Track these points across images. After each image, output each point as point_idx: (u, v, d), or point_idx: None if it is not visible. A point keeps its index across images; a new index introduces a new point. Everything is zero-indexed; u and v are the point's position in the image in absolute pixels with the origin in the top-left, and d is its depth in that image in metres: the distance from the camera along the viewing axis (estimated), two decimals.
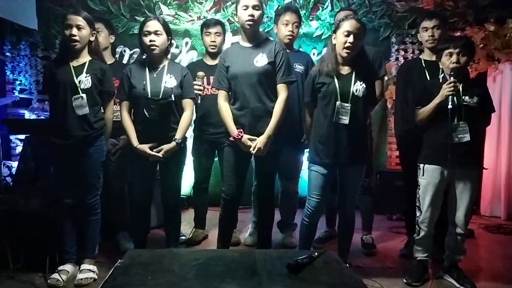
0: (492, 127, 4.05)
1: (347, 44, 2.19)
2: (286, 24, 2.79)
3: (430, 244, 2.43)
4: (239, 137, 2.30)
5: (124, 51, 4.22)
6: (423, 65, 2.69)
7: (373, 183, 3.06)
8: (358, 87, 2.24)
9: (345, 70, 2.28)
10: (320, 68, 2.30)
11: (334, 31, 2.28)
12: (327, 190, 2.35)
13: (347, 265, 2.10)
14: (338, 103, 2.22)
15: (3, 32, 4.07)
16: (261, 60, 2.34)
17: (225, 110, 2.38)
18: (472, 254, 2.84)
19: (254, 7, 2.33)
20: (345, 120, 2.22)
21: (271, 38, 2.53)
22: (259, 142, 2.29)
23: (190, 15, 4.24)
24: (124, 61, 4.14)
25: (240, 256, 1.65)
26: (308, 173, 2.38)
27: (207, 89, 2.88)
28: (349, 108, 2.22)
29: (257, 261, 1.57)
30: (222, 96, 2.41)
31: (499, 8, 4.12)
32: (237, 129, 2.32)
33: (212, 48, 2.97)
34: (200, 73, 2.78)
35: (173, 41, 4.11)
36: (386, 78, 3.10)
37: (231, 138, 2.33)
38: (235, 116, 2.36)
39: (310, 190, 2.35)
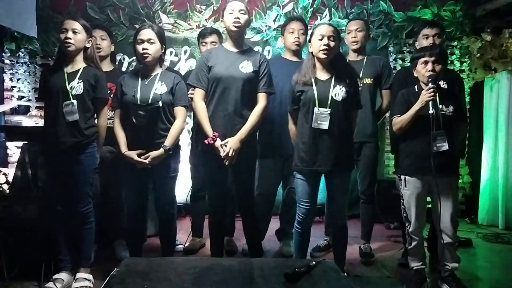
0: (489, 136, 4.09)
1: (323, 47, 2.23)
2: (292, 32, 2.85)
3: (423, 252, 2.44)
4: (212, 142, 2.29)
5: (123, 58, 4.23)
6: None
7: (375, 192, 3.04)
8: (337, 92, 2.26)
9: (324, 76, 2.31)
10: (298, 78, 2.33)
11: (309, 40, 2.33)
12: (315, 195, 2.36)
13: (345, 274, 2.09)
14: (316, 109, 2.24)
15: (2, 40, 4.09)
16: (246, 66, 2.37)
17: (202, 109, 2.37)
18: (470, 263, 2.83)
19: (240, 11, 2.36)
20: (324, 125, 2.23)
21: (257, 49, 2.57)
22: (230, 141, 2.29)
23: (189, 24, 4.26)
24: (123, 69, 4.14)
25: (237, 265, 1.64)
26: (295, 181, 2.40)
27: None
28: (328, 113, 2.23)
29: (254, 270, 1.56)
30: (199, 94, 2.40)
31: (495, 18, 4.18)
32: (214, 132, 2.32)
33: None
34: None
35: (171, 49, 4.21)
36: None
37: (207, 141, 2.31)
38: (211, 118, 2.36)
39: (298, 198, 2.37)
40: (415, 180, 2.35)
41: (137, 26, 4.16)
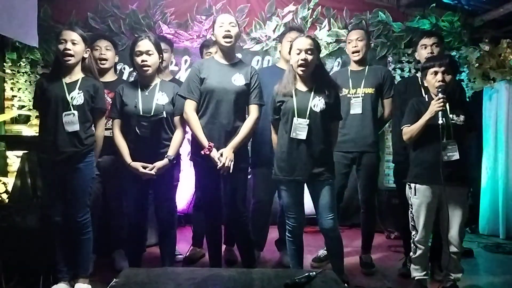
0: (489, 146, 4.09)
1: (300, 62, 2.26)
2: (290, 41, 2.84)
3: (427, 262, 2.42)
4: (208, 152, 2.31)
5: (124, 68, 4.26)
6: (420, 83, 2.71)
7: (375, 202, 3.03)
8: (316, 103, 2.28)
9: (304, 87, 2.34)
10: (278, 90, 2.35)
11: (289, 52, 2.35)
12: (301, 203, 2.38)
13: (345, 284, 2.08)
14: (295, 119, 2.27)
15: (4, 49, 4.11)
16: (238, 79, 2.41)
17: (195, 121, 2.39)
18: (471, 274, 2.81)
19: (230, 24, 2.39)
20: (302, 135, 2.25)
21: (247, 63, 2.62)
22: (225, 151, 2.32)
23: (189, 34, 4.29)
24: (124, 78, 4.17)
25: (237, 275, 1.64)
26: (278, 193, 2.40)
27: None
28: (306, 124, 2.25)
29: (254, 281, 1.56)
30: (191, 106, 2.41)
31: (493, 28, 4.22)
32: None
33: None
34: None
35: (172, 59, 4.22)
36: None
37: (203, 152, 2.31)
38: (204, 130, 2.37)
39: (284, 208, 2.40)
40: (425, 189, 2.34)
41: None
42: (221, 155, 2.32)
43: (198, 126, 2.38)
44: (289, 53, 2.36)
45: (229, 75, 2.41)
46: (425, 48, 2.70)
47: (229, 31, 2.38)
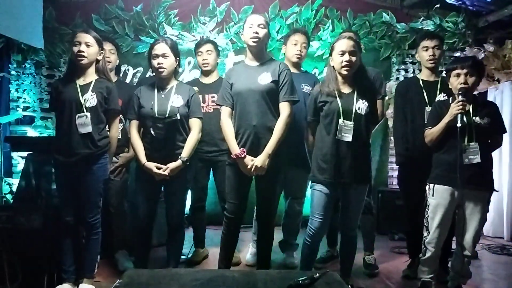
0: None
1: (344, 63, 2.24)
2: (295, 44, 2.87)
3: (436, 265, 2.40)
4: (242, 156, 2.30)
5: (128, 70, 4.28)
6: (421, 84, 2.70)
7: (373, 202, 3.02)
8: (360, 105, 2.26)
9: (346, 89, 2.31)
10: (322, 88, 2.33)
11: (330, 54, 2.34)
12: (330, 209, 2.33)
13: (349, 286, 2.07)
14: (341, 120, 2.24)
15: (9, 51, 4.14)
16: (265, 78, 2.37)
17: (228, 127, 2.39)
18: (475, 275, 2.79)
19: (259, 26, 2.38)
20: (348, 137, 2.23)
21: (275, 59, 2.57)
22: (258, 160, 2.29)
23: (193, 35, 4.31)
24: (127, 80, 4.19)
25: (240, 277, 1.64)
26: (310, 193, 2.37)
27: (202, 107, 2.89)
28: (352, 126, 2.23)
29: (257, 282, 1.56)
30: (226, 112, 2.42)
31: (498, 29, 4.20)
32: (240, 148, 2.32)
33: (205, 66, 3.03)
34: (195, 88, 2.81)
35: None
36: (386, 98, 3.12)
37: (233, 156, 2.33)
38: (236, 133, 2.37)
39: (313, 210, 2.33)
40: (443, 191, 2.31)
41: (142, 38, 4.25)
42: (254, 163, 2.29)
43: (229, 132, 2.37)
44: (330, 54, 2.34)
45: (255, 75, 2.38)
46: (426, 50, 2.68)
47: (257, 32, 2.37)
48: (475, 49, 4.12)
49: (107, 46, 2.88)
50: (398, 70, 4.36)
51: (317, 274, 1.60)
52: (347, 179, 2.25)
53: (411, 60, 4.35)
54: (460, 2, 4.15)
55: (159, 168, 2.37)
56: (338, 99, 2.27)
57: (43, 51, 4.13)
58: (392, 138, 4.13)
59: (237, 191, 2.41)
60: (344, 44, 2.25)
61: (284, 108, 2.37)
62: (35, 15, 3.67)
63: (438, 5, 4.23)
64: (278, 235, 3.11)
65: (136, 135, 2.47)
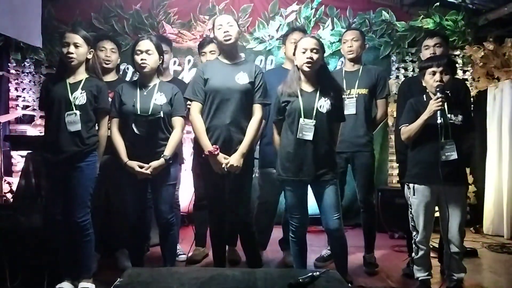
0: (493, 145, 4.07)
1: (306, 60, 2.26)
2: (294, 42, 2.85)
3: (430, 262, 2.41)
4: (215, 153, 2.31)
5: (128, 68, 4.27)
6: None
7: (374, 200, 3.03)
8: (322, 104, 2.28)
9: (309, 88, 2.34)
10: (283, 89, 2.35)
11: (294, 53, 2.36)
12: (305, 204, 2.37)
13: (349, 284, 2.08)
14: (301, 119, 2.26)
15: (8, 50, 4.14)
16: (242, 78, 2.40)
17: (199, 122, 2.39)
18: (475, 274, 2.80)
19: (228, 24, 2.41)
20: (309, 136, 2.25)
21: (253, 61, 2.60)
22: (233, 159, 2.32)
23: (193, 34, 4.30)
24: (127, 78, 4.18)
25: (240, 275, 1.64)
26: (283, 193, 2.42)
27: None
28: (313, 124, 2.25)
29: (257, 280, 1.56)
30: (196, 108, 2.42)
31: (498, 27, 4.19)
32: (212, 145, 2.33)
33: None
34: None
35: (175, 59, 4.24)
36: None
37: (206, 153, 2.33)
38: (208, 130, 2.38)
39: (288, 208, 2.40)
40: (424, 189, 2.34)
41: (141, 36, 4.24)
42: (228, 162, 2.31)
43: (201, 128, 2.38)
44: (294, 53, 2.37)
45: (233, 74, 2.41)
46: (428, 49, 2.69)
47: (228, 31, 2.39)
48: (475, 48, 4.13)
49: (109, 45, 2.88)
50: (397, 68, 4.36)
51: (317, 273, 1.61)
52: (310, 177, 2.28)
53: (410, 59, 4.35)
54: (460, 0, 4.15)
55: (141, 167, 2.35)
56: (299, 98, 2.29)
57: (42, 50, 4.12)
58: (392, 136, 4.15)
59: (212, 187, 2.44)
60: (307, 42, 2.29)
61: (258, 110, 2.42)
62: (34, 13, 3.65)
63: (438, 3, 4.23)
64: (278, 234, 3.12)
65: (117, 133, 2.43)
